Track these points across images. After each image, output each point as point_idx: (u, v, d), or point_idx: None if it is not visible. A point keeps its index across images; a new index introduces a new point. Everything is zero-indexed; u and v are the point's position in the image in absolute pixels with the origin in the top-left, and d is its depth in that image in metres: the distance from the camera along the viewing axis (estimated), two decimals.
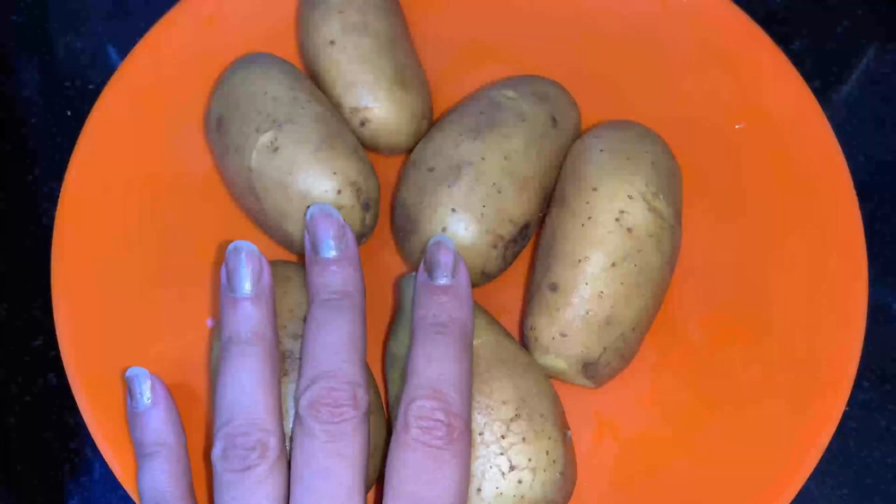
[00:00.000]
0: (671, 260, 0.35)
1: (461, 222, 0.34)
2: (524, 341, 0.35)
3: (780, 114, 0.39)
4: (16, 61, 0.45)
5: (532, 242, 0.37)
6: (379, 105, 0.37)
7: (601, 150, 0.35)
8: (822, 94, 0.41)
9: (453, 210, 0.34)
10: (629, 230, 0.33)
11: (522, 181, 0.35)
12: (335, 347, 0.30)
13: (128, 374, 0.32)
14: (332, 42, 0.37)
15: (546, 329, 0.34)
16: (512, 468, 0.30)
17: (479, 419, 0.31)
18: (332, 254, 0.32)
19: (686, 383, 0.36)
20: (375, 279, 0.37)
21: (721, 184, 0.39)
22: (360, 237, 0.36)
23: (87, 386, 0.34)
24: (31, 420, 0.39)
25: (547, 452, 0.31)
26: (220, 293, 0.32)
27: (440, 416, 0.29)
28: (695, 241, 0.37)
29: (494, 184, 0.34)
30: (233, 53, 0.38)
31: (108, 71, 0.39)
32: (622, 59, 0.41)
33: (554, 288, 0.34)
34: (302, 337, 0.32)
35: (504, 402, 0.31)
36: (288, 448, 0.30)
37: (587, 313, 0.33)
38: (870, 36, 0.46)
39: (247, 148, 0.35)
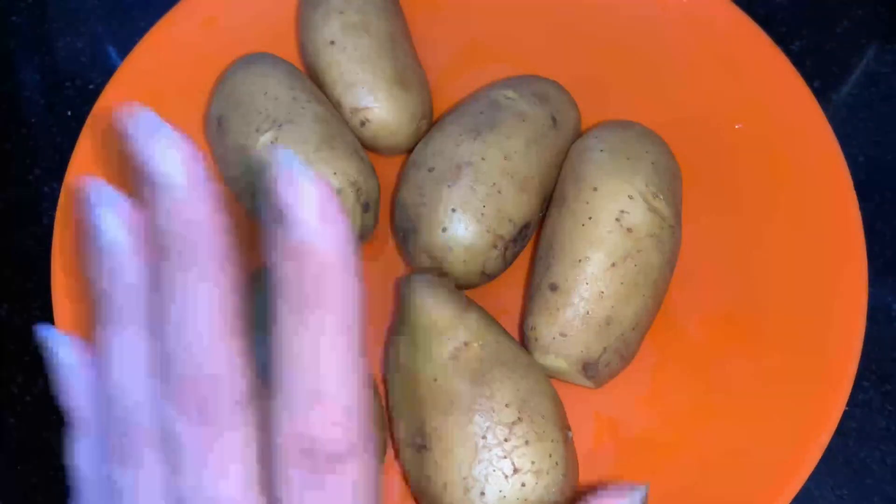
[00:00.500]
0: (671, 260, 0.35)
1: (461, 222, 0.34)
2: (524, 341, 0.35)
3: (780, 114, 0.39)
4: (16, 61, 0.45)
5: (532, 242, 0.37)
6: (379, 105, 0.37)
7: (601, 150, 0.35)
8: (822, 94, 0.41)
9: (453, 210, 0.34)
10: (629, 230, 0.33)
11: (522, 181, 0.35)
12: (196, 319, 0.22)
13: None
14: (332, 42, 0.37)
15: (546, 329, 0.33)
16: (515, 471, 0.30)
17: (481, 422, 0.31)
18: (180, 188, 0.22)
19: (686, 383, 0.36)
20: (375, 280, 0.37)
21: (721, 184, 0.39)
22: (361, 237, 0.36)
23: None
24: (32, 420, 0.39)
25: (549, 455, 0.31)
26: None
27: (319, 433, 0.22)
28: (695, 241, 0.37)
29: (494, 184, 0.34)
30: (233, 53, 0.38)
31: (108, 71, 0.39)
32: (622, 60, 0.41)
33: (554, 288, 0.34)
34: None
35: (506, 405, 0.31)
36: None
37: (587, 313, 0.33)
38: (870, 36, 0.46)
39: (247, 148, 0.35)
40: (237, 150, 0.35)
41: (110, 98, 0.39)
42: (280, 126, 0.35)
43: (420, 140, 0.38)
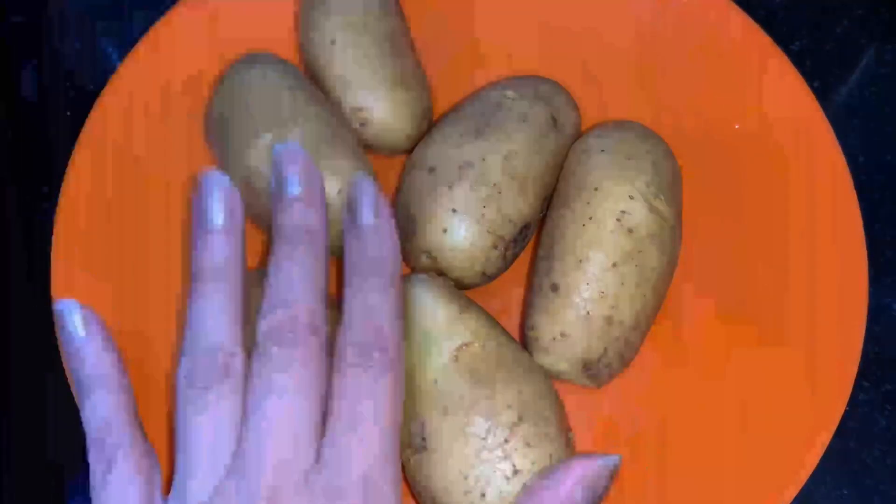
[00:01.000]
0: (672, 260, 0.35)
1: (462, 223, 0.34)
2: (525, 342, 0.35)
3: (781, 114, 0.39)
4: (16, 61, 0.45)
5: (532, 243, 0.37)
6: (379, 105, 0.37)
7: (602, 151, 0.35)
8: (822, 94, 0.41)
9: (454, 210, 0.34)
10: (630, 230, 0.33)
11: (523, 182, 0.35)
12: (296, 280, 0.30)
13: (58, 306, 0.32)
14: (332, 42, 0.37)
15: (547, 329, 0.33)
16: (516, 472, 0.30)
17: (482, 423, 0.31)
18: (298, 191, 0.32)
19: (686, 383, 0.36)
20: None
21: (721, 184, 0.39)
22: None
23: None
24: (31, 420, 0.39)
25: (550, 456, 0.31)
26: (192, 225, 0.31)
27: (373, 339, 0.29)
28: (695, 241, 0.37)
29: (495, 184, 0.34)
30: (233, 53, 0.38)
31: (108, 71, 0.39)
32: (622, 60, 0.41)
33: (555, 288, 0.34)
34: (265, 274, 0.31)
35: (507, 406, 0.31)
36: None
37: (588, 314, 0.33)
38: (870, 36, 0.46)
39: (246, 148, 0.35)
40: (237, 150, 0.35)
41: (110, 98, 0.39)
42: (280, 126, 0.35)
43: (420, 140, 0.38)
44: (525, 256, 0.37)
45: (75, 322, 0.32)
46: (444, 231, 0.34)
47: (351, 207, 0.32)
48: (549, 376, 0.34)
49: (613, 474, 0.31)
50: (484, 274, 0.35)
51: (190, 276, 0.31)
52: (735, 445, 0.34)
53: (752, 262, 0.37)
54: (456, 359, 0.32)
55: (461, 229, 0.34)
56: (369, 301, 0.30)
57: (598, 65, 0.41)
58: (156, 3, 0.41)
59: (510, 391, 0.31)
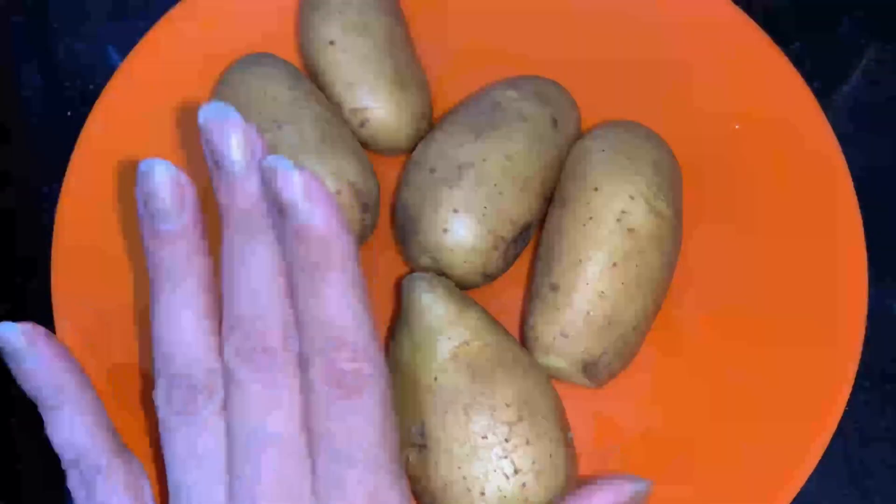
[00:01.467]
0: (672, 260, 0.35)
1: (462, 223, 0.34)
2: (525, 341, 0.35)
3: (780, 114, 0.39)
4: (16, 61, 0.45)
5: (533, 243, 0.37)
6: (379, 105, 0.37)
7: (602, 151, 0.35)
8: (822, 94, 0.41)
9: (455, 211, 0.34)
10: (630, 230, 0.33)
11: (523, 182, 0.35)
12: (256, 281, 0.27)
13: None
14: (332, 42, 0.37)
15: (547, 329, 0.33)
16: (516, 471, 0.30)
17: (481, 422, 0.31)
18: (238, 166, 0.27)
19: (686, 383, 0.36)
20: (376, 281, 0.37)
21: (721, 184, 0.39)
22: (360, 238, 0.36)
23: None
24: (32, 420, 0.39)
25: (550, 455, 0.31)
26: (140, 221, 0.28)
27: (344, 365, 0.26)
28: (695, 241, 0.37)
29: (496, 185, 0.34)
30: (233, 53, 0.38)
31: (108, 71, 0.39)
32: (622, 60, 0.41)
33: (555, 288, 0.34)
34: (219, 267, 0.28)
35: (507, 405, 0.31)
36: None
37: (588, 313, 0.33)
38: (870, 36, 0.46)
39: None
40: None
41: (110, 98, 0.39)
42: (280, 126, 0.35)
43: (420, 140, 0.38)
44: (525, 256, 0.37)
45: (17, 341, 0.30)
46: (445, 231, 0.34)
47: (272, 190, 0.27)
48: (549, 376, 0.34)
49: (643, 501, 0.30)
50: (484, 274, 0.35)
51: (148, 281, 0.28)
52: (735, 445, 0.34)
53: (751, 262, 0.37)
54: (456, 357, 0.32)
55: (462, 229, 0.34)
56: (324, 305, 0.26)
57: (598, 65, 0.41)
58: (156, 3, 0.41)
59: (510, 390, 0.31)
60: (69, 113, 0.44)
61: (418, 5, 0.41)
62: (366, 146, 0.38)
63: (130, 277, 0.36)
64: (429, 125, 0.39)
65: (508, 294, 0.37)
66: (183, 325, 0.28)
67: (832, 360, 0.35)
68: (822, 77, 0.44)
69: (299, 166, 0.26)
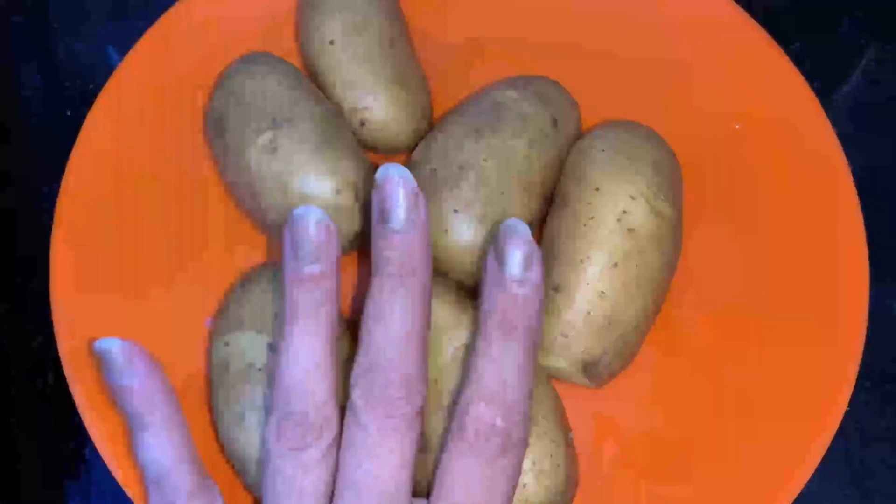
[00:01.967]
0: (672, 260, 0.35)
1: (463, 224, 0.34)
2: None
3: (781, 114, 0.39)
4: (16, 61, 0.45)
5: None
6: (379, 105, 0.37)
7: (603, 151, 0.35)
8: (823, 94, 0.40)
9: (455, 211, 0.34)
10: (631, 230, 0.33)
11: (524, 182, 0.35)
12: (394, 335, 0.28)
13: (98, 346, 0.31)
14: (331, 42, 0.37)
15: (547, 329, 0.33)
16: None
17: None
18: (401, 224, 0.29)
19: (686, 383, 0.36)
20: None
21: (721, 184, 0.39)
22: (360, 238, 0.36)
23: (86, 386, 0.34)
24: (32, 420, 0.39)
25: (550, 455, 0.31)
26: (284, 262, 0.30)
27: (499, 422, 0.28)
28: (695, 241, 0.37)
29: (496, 185, 0.34)
30: (233, 53, 0.38)
31: (108, 71, 0.39)
32: (622, 60, 0.41)
33: (555, 288, 0.34)
34: (362, 311, 0.30)
35: None
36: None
37: (588, 314, 0.33)
38: (870, 36, 0.46)
39: (246, 148, 0.35)
40: (236, 150, 0.35)
41: (110, 98, 0.39)
42: (280, 126, 0.35)
43: (420, 140, 0.38)
44: None
45: (119, 359, 0.30)
46: (446, 232, 0.34)
47: (500, 253, 0.30)
48: (549, 376, 0.34)
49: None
50: None
51: (282, 315, 0.30)
52: (735, 445, 0.34)
53: (752, 262, 0.37)
54: (456, 359, 0.32)
55: (462, 230, 0.34)
56: (504, 372, 0.29)
57: (598, 65, 0.41)
58: (156, 3, 0.41)
59: None
60: (69, 113, 0.44)
61: (418, 5, 0.41)
62: (366, 146, 0.38)
63: (130, 277, 0.36)
64: (429, 125, 0.39)
65: None
66: (308, 365, 0.29)
67: (832, 360, 0.35)
68: (822, 77, 0.44)
69: (528, 237, 0.30)
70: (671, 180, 0.35)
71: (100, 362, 0.31)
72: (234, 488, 0.33)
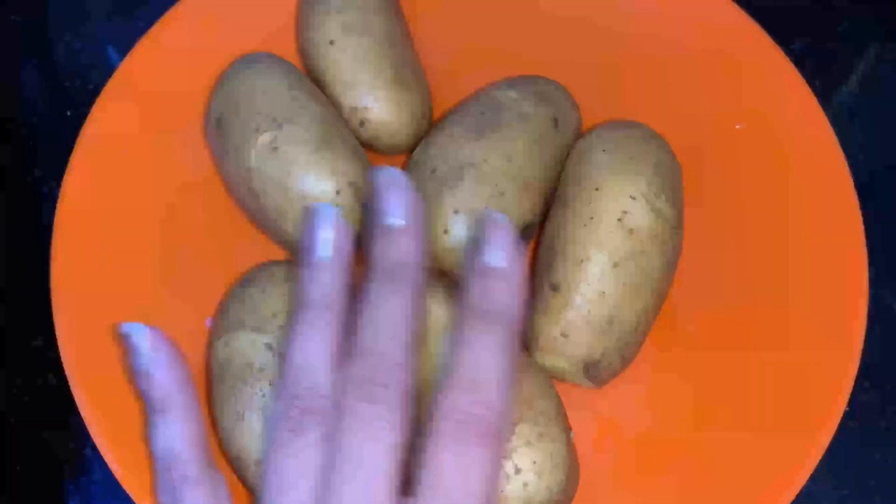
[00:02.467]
0: (673, 260, 0.35)
1: (463, 224, 0.34)
2: (525, 342, 0.35)
3: (781, 114, 0.39)
4: (16, 61, 0.45)
5: (533, 243, 0.37)
6: (379, 105, 0.37)
7: (603, 151, 0.35)
8: (823, 94, 0.41)
9: (455, 212, 0.34)
10: (631, 231, 0.33)
11: (524, 182, 0.35)
12: (383, 324, 0.29)
13: (124, 329, 0.31)
14: (331, 42, 0.37)
15: (547, 330, 0.33)
16: (517, 471, 0.30)
17: None
18: (393, 224, 0.31)
19: (686, 383, 0.36)
20: None
21: (721, 184, 0.39)
22: (360, 237, 0.36)
23: (86, 386, 0.34)
24: (31, 420, 0.39)
25: (551, 455, 0.31)
26: (300, 252, 0.31)
27: (476, 410, 0.28)
28: (695, 241, 0.37)
29: (496, 185, 0.34)
30: (233, 53, 0.38)
31: (108, 71, 0.39)
32: (622, 60, 0.41)
33: (555, 288, 0.34)
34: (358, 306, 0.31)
35: None
36: None
37: (589, 314, 0.33)
38: (870, 36, 0.46)
39: (246, 148, 0.35)
40: (236, 150, 0.35)
41: (110, 98, 0.39)
42: (280, 126, 0.35)
43: (420, 140, 0.38)
44: (526, 256, 0.37)
45: (142, 342, 0.31)
46: (446, 232, 0.34)
47: (480, 243, 0.31)
48: (549, 376, 0.34)
49: None
50: None
51: (294, 305, 0.31)
52: (735, 445, 0.34)
53: (752, 262, 0.37)
54: None
55: (463, 230, 0.34)
56: (482, 361, 0.29)
57: (598, 65, 0.41)
58: (156, 3, 0.41)
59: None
60: (69, 113, 0.44)
61: (418, 5, 0.41)
62: (366, 146, 0.38)
63: (130, 277, 0.36)
64: (429, 125, 0.39)
65: None
66: (315, 351, 0.30)
67: (832, 360, 0.35)
68: (822, 77, 0.44)
69: (506, 226, 0.31)
70: (672, 180, 0.35)
71: (123, 345, 0.31)
72: (234, 488, 0.33)
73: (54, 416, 0.39)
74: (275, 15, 0.41)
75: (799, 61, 0.40)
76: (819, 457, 0.33)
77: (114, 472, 0.33)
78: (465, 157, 0.35)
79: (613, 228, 0.33)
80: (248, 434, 0.32)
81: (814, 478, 0.33)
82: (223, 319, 0.34)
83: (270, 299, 0.34)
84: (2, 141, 0.44)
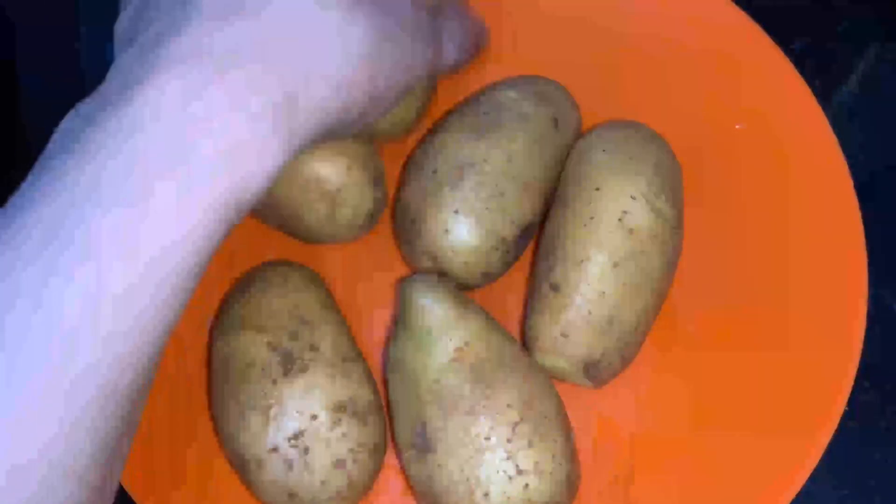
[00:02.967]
0: (672, 260, 0.35)
1: (464, 224, 0.34)
2: (525, 342, 0.35)
3: (781, 114, 0.39)
4: (16, 61, 0.45)
5: (533, 243, 0.37)
6: None
7: (604, 151, 0.35)
8: (822, 94, 0.41)
9: (456, 212, 0.34)
10: (631, 230, 0.33)
11: (525, 183, 0.35)
12: None
13: None
14: None
15: (547, 330, 0.33)
16: (519, 472, 0.30)
17: (483, 423, 0.31)
18: None
19: (686, 383, 0.36)
20: (376, 280, 0.37)
21: (721, 184, 0.39)
22: (373, 215, 0.36)
23: None
24: None
25: (552, 455, 0.31)
26: None
27: None
28: (695, 241, 0.37)
29: (497, 185, 0.34)
30: None
31: (108, 71, 0.39)
32: (622, 60, 0.41)
33: (555, 288, 0.34)
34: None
35: (508, 406, 0.31)
36: None
37: (589, 314, 0.33)
38: (870, 36, 0.46)
39: None
40: None
41: None
42: None
43: (415, 127, 0.37)
44: (526, 257, 0.37)
45: None
46: (446, 232, 0.34)
47: None
48: (549, 376, 0.34)
49: None
50: (485, 274, 0.35)
51: None
52: (735, 445, 0.34)
53: (752, 262, 0.37)
54: (457, 359, 0.32)
55: (463, 230, 0.34)
56: None
57: (598, 65, 0.41)
58: None
59: (510, 391, 0.31)
60: None
61: None
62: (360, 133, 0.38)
63: None
64: (425, 107, 0.38)
65: (509, 295, 0.37)
66: None
67: (832, 360, 0.35)
68: (822, 77, 0.44)
69: None
70: (672, 180, 0.35)
71: None
72: (234, 487, 0.33)
73: None
74: None
75: (799, 61, 0.40)
76: (819, 457, 0.33)
77: None
78: (465, 157, 0.35)
79: (613, 228, 0.33)
80: (249, 433, 0.32)
81: (814, 478, 0.33)
82: (223, 319, 0.34)
83: (271, 299, 0.34)
84: (2, 141, 0.44)
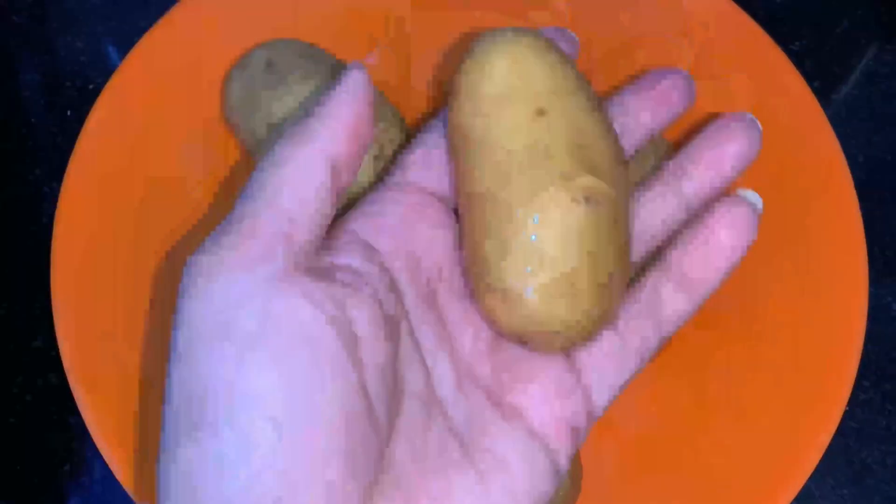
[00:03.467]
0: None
1: None
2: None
3: (781, 114, 0.39)
4: (16, 61, 0.45)
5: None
6: None
7: None
8: (823, 94, 0.41)
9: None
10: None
11: None
12: None
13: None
14: None
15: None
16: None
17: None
18: None
19: (686, 383, 0.36)
20: None
21: None
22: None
23: (87, 386, 0.34)
24: (31, 420, 0.39)
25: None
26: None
27: None
28: None
29: None
30: (234, 53, 0.38)
31: (108, 71, 0.39)
32: (622, 59, 0.41)
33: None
34: None
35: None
36: None
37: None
38: (870, 36, 0.46)
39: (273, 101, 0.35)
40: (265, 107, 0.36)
41: (110, 98, 0.39)
42: (306, 79, 0.35)
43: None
44: None
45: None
46: None
47: None
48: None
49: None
50: None
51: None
52: (735, 445, 0.34)
53: (751, 261, 0.37)
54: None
55: None
56: None
57: (598, 65, 0.41)
58: (156, 3, 0.41)
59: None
60: (69, 113, 0.44)
61: (418, 5, 0.41)
62: None
63: (131, 276, 0.36)
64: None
65: None
66: None
67: (832, 360, 0.35)
68: (822, 77, 0.44)
69: None
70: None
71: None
72: None
73: (54, 416, 0.39)
74: (276, 14, 0.41)
75: (799, 61, 0.40)
76: (819, 456, 0.33)
77: (114, 472, 0.33)
78: None
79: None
80: None
81: (813, 477, 0.33)
82: None
83: None
84: (2, 141, 0.44)
